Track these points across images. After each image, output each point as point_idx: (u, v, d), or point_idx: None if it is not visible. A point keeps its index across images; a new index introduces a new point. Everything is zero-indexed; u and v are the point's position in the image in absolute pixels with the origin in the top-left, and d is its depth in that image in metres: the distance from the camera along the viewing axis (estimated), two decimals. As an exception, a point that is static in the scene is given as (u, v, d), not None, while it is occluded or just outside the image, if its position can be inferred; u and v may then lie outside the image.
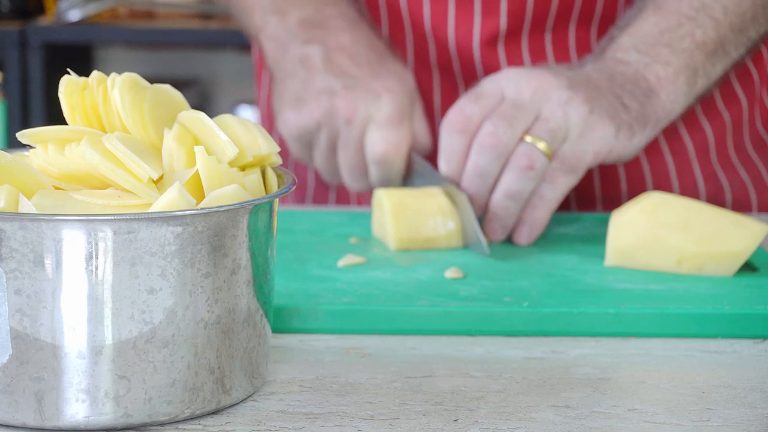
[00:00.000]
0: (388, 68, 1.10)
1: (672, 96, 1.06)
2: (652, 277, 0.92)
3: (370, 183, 1.10)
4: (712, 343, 0.83)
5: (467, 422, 0.69)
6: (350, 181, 1.11)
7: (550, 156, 1.00)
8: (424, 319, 0.84)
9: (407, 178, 1.09)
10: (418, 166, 1.08)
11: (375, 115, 1.07)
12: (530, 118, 1.00)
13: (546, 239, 1.04)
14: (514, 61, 1.17)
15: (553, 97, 1.00)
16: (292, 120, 1.10)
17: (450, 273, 0.92)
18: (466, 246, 1.01)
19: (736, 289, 0.89)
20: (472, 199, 1.01)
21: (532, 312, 0.84)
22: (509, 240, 1.03)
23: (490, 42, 1.16)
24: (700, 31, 1.07)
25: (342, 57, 1.10)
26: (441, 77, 1.19)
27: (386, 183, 1.08)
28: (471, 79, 1.18)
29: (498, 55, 1.16)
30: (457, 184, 1.02)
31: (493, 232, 1.02)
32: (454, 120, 1.01)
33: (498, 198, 1.00)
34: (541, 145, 0.99)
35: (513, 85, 1.01)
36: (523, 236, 1.02)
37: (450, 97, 1.19)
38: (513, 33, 1.16)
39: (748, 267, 0.96)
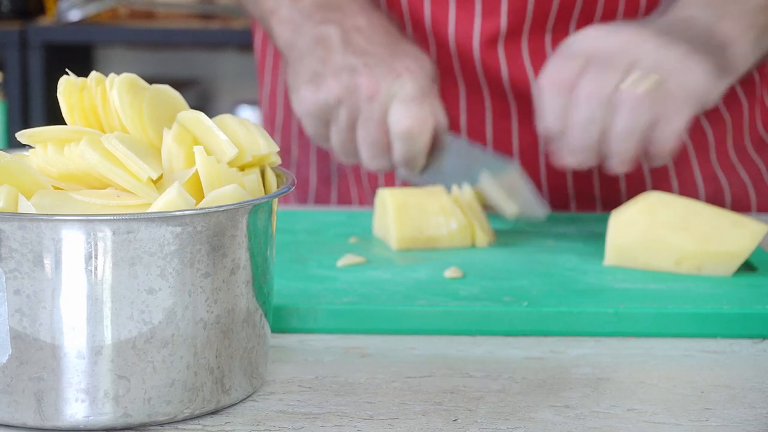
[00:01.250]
0: (405, 49, 1.10)
1: (742, 50, 1.05)
2: (651, 276, 0.92)
3: (392, 161, 1.09)
4: (711, 342, 0.83)
5: (467, 422, 0.69)
6: (369, 159, 1.09)
7: (659, 86, 0.98)
8: (424, 318, 0.84)
9: (430, 156, 1.08)
10: (450, 143, 1.07)
11: (398, 92, 1.06)
12: (626, 62, 0.99)
13: (546, 239, 1.04)
14: (514, 61, 1.16)
15: (646, 45, 1.00)
16: (309, 96, 1.09)
17: (449, 273, 0.92)
18: (522, 215, 1.02)
19: (735, 289, 0.89)
20: (583, 150, 1.00)
21: (532, 311, 0.84)
22: (512, 237, 1.03)
23: (490, 42, 1.16)
24: None
25: (359, 37, 1.10)
26: (441, 77, 1.19)
27: (410, 160, 1.07)
28: (471, 78, 1.18)
29: (498, 55, 1.16)
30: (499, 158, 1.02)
31: (616, 167, 1.01)
32: (555, 79, 1.01)
33: (615, 137, 0.99)
34: (643, 80, 0.98)
35: (602, 41, 1.01)
36: (656, 160, 1.02)
37: (450, 97, 1.19)
38: (513, 33, 1.16)
39: (747, 267, 0.96)
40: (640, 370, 0.78)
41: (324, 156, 1.28)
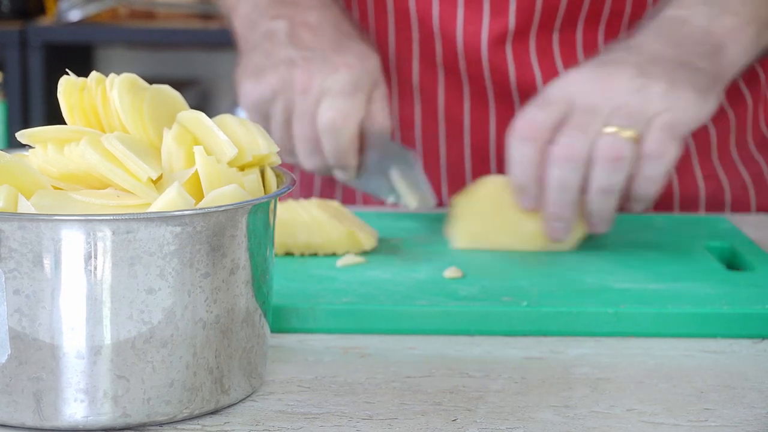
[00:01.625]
0: (352, 45, 1.10)
1: (741, 47, 1.04)
2: (651, 276, 0.92)
3: (324, 159, 1.08)
4: (711, 342, 0.83)
5: (466, 422, 0.69)
6: (304, 156, 1.09)
7: (637, 139, 0.96)
8: (423, 318, 0.84)
9: (361, 156, 1.08)
10: (372, 139, 1.06)
11: (331, 86, 1.06)
12: (604, 116, 0.97)
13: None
14: (522, 61, 1.16)
15: (626, 87, 0.97)
16: (250, 90, 1.09)
17: (449, 273, 0.92)
18: (420, 205, 1.01)
19: (734, 289, 0.89)
20: (560, 217, 0.98)
21: (531, 311, 0.84)
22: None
23: (498, 41, 1.16)
24: None
25: (306, 32, 1.10)
26: (446, 76, 1.19)
27: (338, 156, 1.06)
28: (477, 78, 1.18)
29: (506, 55, 1.16)
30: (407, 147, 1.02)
31: (594, 226, 1.00)
32: (523, 127, 0.98)
33: (593, 197, 0.97)
34: (625, 133, 0.96)
35: (581, 89, 0.98)
36: (638, 208, 1.01)
37: (454, 97, 1.19)
38: (521, 32, 1.16)
39: (732, 265, 0.97)
40: (640, 370, 0.78)
41: None
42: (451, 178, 1.21)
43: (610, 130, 0.96)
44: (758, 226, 1.13)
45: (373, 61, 1.09)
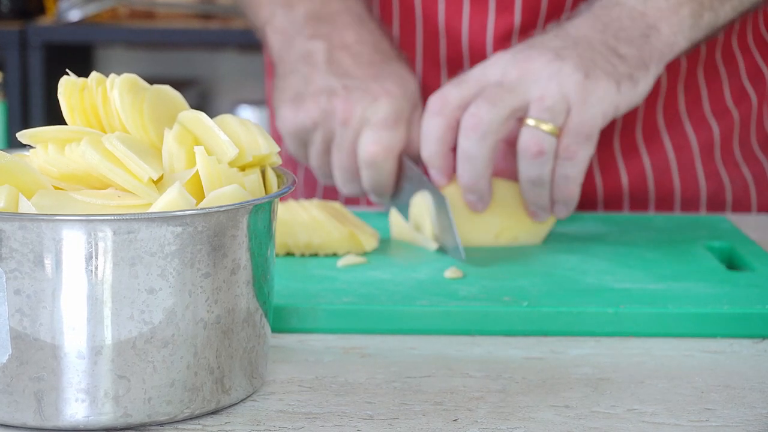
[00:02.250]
0: (391, 70, 1.09)
1: (675, 27, 1.04)
2: (651, 276, 0.92)
3: (362, 187, 1.09)
4: (711, 342, 0.83)
5: (466, 422, 0.69)
6: (342, 183, 1.09)
7: (557, 134, 0.98)
8: (424, 318, 0.84)
9: (398, 183, 1.07)
10: (408, 170, 1.06)
11: (371, 117, 1.05)
12: (518, 99, 0.98)
13: (546, 239, 1.04)
14: None
15: (542, 74, 0.98)
16: (289, 117, 1.09)
17: (449, 273, 0.92)
18: (442, 249, 1.00)
19: (735, 289, 0.89)
20: (469, 187, 0.99)
21: (532, 311, 0.84)
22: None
23: (503, 39, 1.16)
24: None
25: (345, 56, 1.09)
26: (449, 74, 1.19)
27: (377, 187, 1.06)
28: None
29: None
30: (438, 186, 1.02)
31: (535, 215, 1.02)
32: (432, 103, 1.00)
33: (524, 187, 1.00)
34: (545, 126, 0.97)
35: (498, 69, 1.00)
36: (562, 212, 1.02)
37: None
38: (526, 30, 1.16)
39: (733, 266, 0.98)
40: (640, 370, 0.78)
41: None
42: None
43: (531, 122, 0.98)
44: (758, 226, 1.13)
45: (412, 85, 1.09)
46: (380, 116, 1.05)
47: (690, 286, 0.90)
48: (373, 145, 1.05)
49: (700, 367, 0.79)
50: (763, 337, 0.84)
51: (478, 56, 1.17)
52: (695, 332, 0.84)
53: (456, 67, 1.18)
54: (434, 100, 1.01)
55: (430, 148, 1.01)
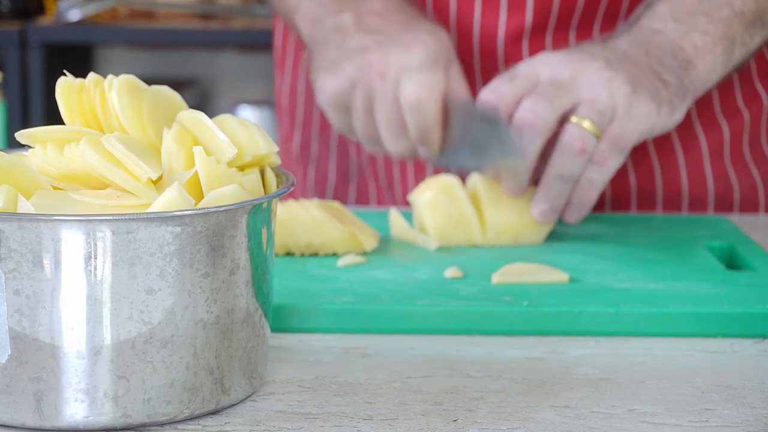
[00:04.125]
0: (421, 24, 1.09)
1: (709, 65, 1.05)
2: (651, 276, 0.92)
3: (410, 141, 1.07)
4: (711, 342, 0.83)
5: (466, 422, 0.69)
6: (390, 142, 1.07)
7: (598, 136, 0.99)
8: (424, 318, 0.84)
9: (445, 130, 1.06)
10: (458, 108, 1.05)
11: (408, 63, 1.05)
12: (571, 99, 0.99)
13: (546, 239, 1.04)
14: None
15: (594, 79, 0.99)
16: (327, 84, 1.08)
17: (450, 272, 0.92)
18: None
19: (735, 289, 0.89)
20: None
21: (532, 311, 0.84)
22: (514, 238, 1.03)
23: (514, 38, 1.16)
24: (739, 0, 1.07)
25: (374, 19, 1.09)
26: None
27: (423, 134, 1.05)
28: (491, 74, 1.18)
29: (522, 51, 1.16)
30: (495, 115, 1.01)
31: (543, 214, 1.01)
32: (486, 97, 1.01)
33: (550, 180, 1.00)
34: (591, 127, 0.98)
35: (549, 68, 1.01)
36: (572, 216, 1.03)
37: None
38: (538, 29, 1.16)
39: (733, 265, 0.97)
40: (640, 371, 0.78)
41: (344, 152, 1.28)
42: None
43: (577, 120, 0.98)
44: (758, 226, 1.13)
45: (444, 37, 1.08)
46: (416, 61, 1.05)
47: (690, 285, 0.90)
48: (415, 88, 1.04)
49: (700, 367, 0.79)
50: (764, 337, 0.84)
51: (489, 54, 1.17)
52: (695, 332, 0.84)
53: (467, 65, 1.18)
54: (487, 94, 1.01)
55: None
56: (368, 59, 1.06)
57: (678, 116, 1.03)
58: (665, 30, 1.05)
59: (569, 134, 0.98)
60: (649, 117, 1.00)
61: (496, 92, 1.00)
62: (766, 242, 1.05)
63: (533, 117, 0.98)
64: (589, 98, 0.99)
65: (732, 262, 1.02)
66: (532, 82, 1.01)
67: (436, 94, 1.04)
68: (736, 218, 1.16)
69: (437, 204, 1.01)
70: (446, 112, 1.06)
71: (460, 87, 1.07)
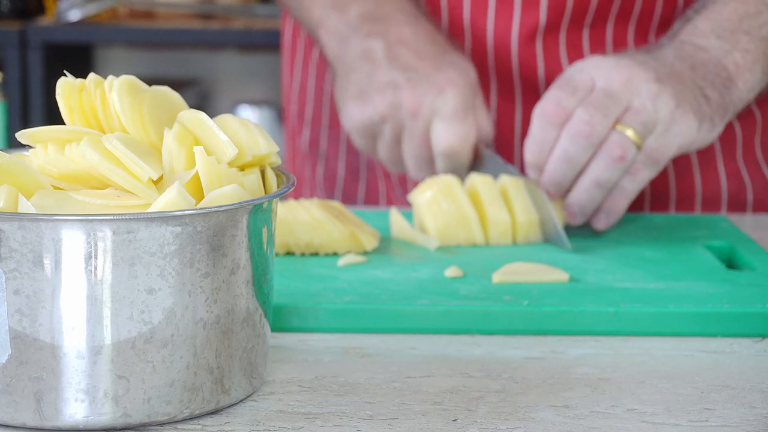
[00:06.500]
0: (451, 61, 1.11)
1: (749, 84, 1.06)
2: (651, 276, 0.92)
3: (435, 170, 1.10)
4: (711, 342, 0.83)
5: (466, 422, 0.69)
6: (415, 171, 1.11)
7: (640, 147, 0.99)
8: (425, 318, 0.84)
9: (472, 169, 1.10)
10: (487, 158, 1.08)
11: (440, 108, 1.07)
12: (621, 108, 1.00)
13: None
14: (551, 56, 1.17)
15: (642, 89, 1.00)
16: (356, 114, 1.10)
17: (450, 272, 0.92)
18: (547, 240, 1.02)
19: (735, 288, 0.89)
20: (556, 185, 1.01)
21: (532, 311, 0.84)
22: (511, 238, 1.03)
23: (528, 37, 1.16)
24: None
25: (404, 50, 1.11)
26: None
27: (453, 173, 1.08)
28: (504, 74, 1.18)
29: (536, 51, 1.17)
30: (527, 174, 1.03)
31: (572, 216, 1.02)
32: (552, 112, 1.01)
33: (585, 185, 1.00)
34: (634, 136, 0.99)
35: (603, 74, 1.01)
36: (601, 223, 1.03)
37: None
38: (551, 28, 1.16)
39: (733, 265, 0.97)
40: (640, 370, 0.78)
41: (353, 150, 1.29)
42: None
43: (620, 128, 0.99)
44: (757, 226, 1.13)
45: (471, 72, 1.11)
46: (450, 107, 1.07)
47: (690, 285, 0.90)
48: (450, 137, 1.07)
49: (700, 367, 0.79)
50: (763, 337, 0.84)
51: (503, 54, 1.17)
52: (695, 332, 0.84)
53: (481, 65, 1.18)
54: (552, 108, 1.01)
55: (544, 156, 1.02)
56: (400, 97, 1.08)
57: (716, 133, 1.04)
58: (709, 47, 1.05)
59: (611, 141, 0.99)
60: (690, 132, 1.01)
61: (560, 108, 1.01)
62: (762, 241, 1.05)
63: (589, 129, 0.99)
64: (636, 108, 1.00)
65: (732, 261, 1.02)
66: (589, 91, 1.01)
67: (469, 143, 1.08)
68: (749, 218, 1.16)
69: (437, 204, 1.01)
70: (476, 154, 1.10)
71: (484, 119, 1.10)
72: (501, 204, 1.02)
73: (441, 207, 1.01)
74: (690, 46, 1.05)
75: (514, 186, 1.03)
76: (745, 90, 1.06)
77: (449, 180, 1.03)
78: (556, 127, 1.01)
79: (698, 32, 1.06)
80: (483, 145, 1.10)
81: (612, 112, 0.99)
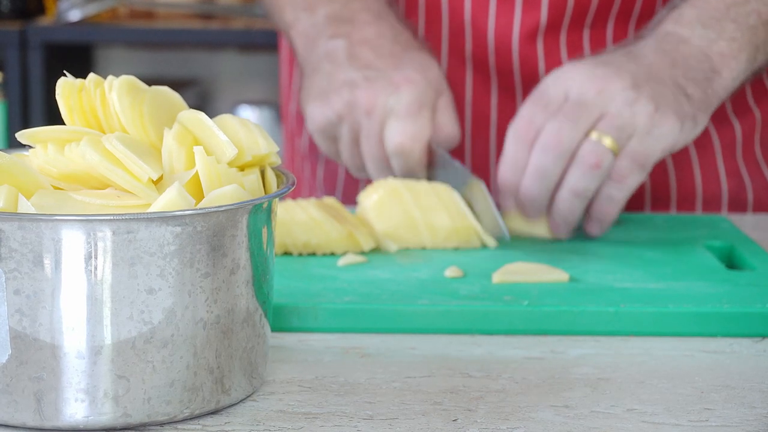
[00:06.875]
0: (412, 58, 1.09)
1: (734, 73, 1.05)
2: (651, 276, 0.92)
3: (394, 174, 1.09)
4: (711, 342, 0.83)
5: (466, 422, 0.69)
6: (375, 173, 1.09)
7: (617, 153, 0.99)
8: (425, 318, 0.84)
9: (430, 170, 1.08)
10: (439, 158, 1.06)
11: (395, 106, 1.06)
12: (594, 117, 0.99)
13: (546, 238, 1.04)
14: (552, 55, 1.17)
15: (618, 97, 0.99)
16: (316, 114, 1.09)
17: (450, 272, 0.92)
18: (491, 233, 1.01)
19: (735, 288, 0.89)
20: (532, 201, 1.00)
21: (532, 311, 0.84)
22: (506, 239, 1.03)
23: (529, 36, 1.16)
24: (766, 8, 1.07)
25: (365, 50, 1.10)
26: (474, 71, 1.19)
27: (409, 175, 1.07)
28: (506, 73, 1.18)
29: (537, 50, 1.17)
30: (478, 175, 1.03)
31: (557, 228, 1.02)
32: (524, 130, 1.00)
33: (563, 196, 1.00)
34: (608, 142, 0.98)
35: (576, 85, 1.00)
36: (595, 229, 1.03)
37: (481, 91, 1.19)
38: (552, 28, 1.16)
39: (733, 265, 0.97)
40: (640, 370, 0.78)
41: None
42: (475, 172, 1.21)
43: (594, 136, 0.98)
44: (757, 226, 1.13)
45: (434, 70, 1.09)
46: (403, 104, 1.05)
47: (690, 285, 0.90)
48: (400, 135, 1.05)
49: (700, 367, 0.79)
50: (763, 337, 0.84)
51: (504, 53, 1.17)
52: (695, 332, 0.84)
53: (481, 64, 1.18)
54: (524, 125, 1.00)
55: (519, 174, 1.01)
56: (356, 96, 1.07)
57: (699, 129, 1.03)
58: (692, 37, 1.04)
59: (584, 149, 0.98)
60: (672, 134, 1.00)
61: (531, 125, 1.00)
62: (762, 241, 1.05)
63: (557, 140, 0.98)
64: (611, 114, 0.99)
65: (732, 261, 1.02)
66: (562, 103, 1.00)
67: (419, 143, 1.06)
68: (749, 218, 1.16)
69: (384, 206, 1.00)
70: (430, 154, 1.07)
71: (448, 120, 1.08)
72: (438, 210, 1.00)
73: (387, 209, 1.00)
74: (673, 38, 1.04)
75: (447, 192, 1.02)
76: (729, 79, 1.04)
77: (396, 183, 1.01)
78: (527, 144, 1.00)
79: (683, 20, 1.05)
80: (445, 146, 1.08)
81: (583, 122, 0.98)
